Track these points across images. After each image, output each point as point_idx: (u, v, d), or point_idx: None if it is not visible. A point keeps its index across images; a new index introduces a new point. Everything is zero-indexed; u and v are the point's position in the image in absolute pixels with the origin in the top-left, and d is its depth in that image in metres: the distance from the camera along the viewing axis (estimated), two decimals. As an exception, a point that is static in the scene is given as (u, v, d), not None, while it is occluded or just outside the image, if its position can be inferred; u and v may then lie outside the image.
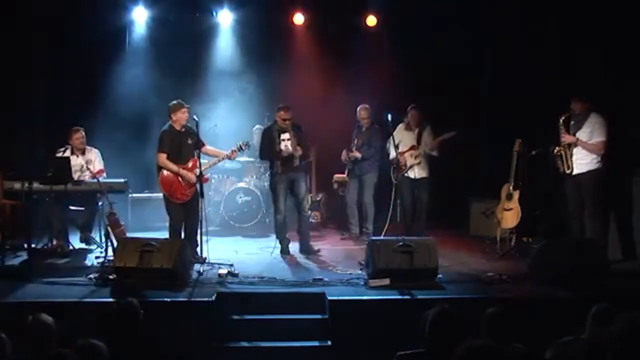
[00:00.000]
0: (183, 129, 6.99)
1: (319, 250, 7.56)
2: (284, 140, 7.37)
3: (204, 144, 7.13)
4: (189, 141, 6.99)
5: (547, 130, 7.45)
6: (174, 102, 6.99)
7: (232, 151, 7.22)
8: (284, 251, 7.47)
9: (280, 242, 7.54)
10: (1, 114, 8.53)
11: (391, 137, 7.96)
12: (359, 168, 8.17)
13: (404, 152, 8.01)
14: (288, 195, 7.50)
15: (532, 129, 7.90)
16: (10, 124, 8.59)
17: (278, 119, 7.42)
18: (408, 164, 7.98)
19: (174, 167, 6.93)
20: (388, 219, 7.46)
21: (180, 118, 6.92)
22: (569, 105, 6.97)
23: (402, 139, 8.07)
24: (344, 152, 8.17)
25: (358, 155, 8.06)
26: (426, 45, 9.14)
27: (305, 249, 7.50)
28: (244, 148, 7.32)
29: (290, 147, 7.32)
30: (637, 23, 7.21)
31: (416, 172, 8.05)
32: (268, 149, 7.45)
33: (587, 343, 3.20)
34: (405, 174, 8.01)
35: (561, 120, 6.99)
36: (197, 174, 6.83)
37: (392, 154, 7.98)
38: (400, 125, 8.15)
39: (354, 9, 9.78)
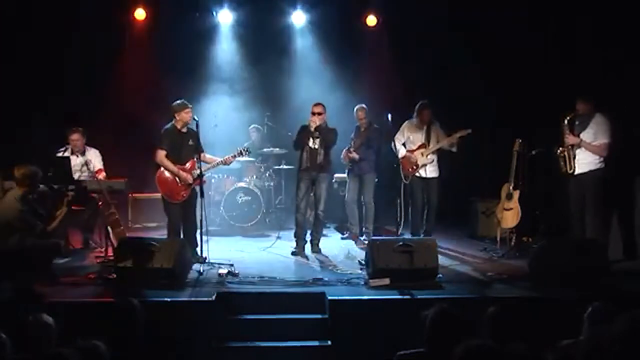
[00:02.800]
0: (185, 130, 6.99)
1: (320, 251, 7.57)
2: (312, 137, 7.43)
3: (202, 151, 7.11)
4: (190, 142, 6.99)
5: (548, 130, 7.44)
6: (178, 101, 6.99)
7: (230, 157, 7.22)
8: (299, 252, 7.44)
9: (296, 241, 7.55)
10: (1, 114, 8.54)
11: (397, 135, 7.90)
12: (359, 168, 8.15)
13: (414, 150, 7.89)
14: (309, 194, 7.55)
15: (532, 129, 7.90)
16: (10, 124, 8.60)
17: (310, 114, 7.47)
18: (419, 163, 7.84)
19: (172, 166, 6.92)
20: (402, 220, 7.39)
21: (184, 118, 6.91)
22: (574, 106, 6.95)
23: (410, 136, 7.96)
24: (344, 151, 8.17)
25: (356, 156, 8.03)
26: (426, 45, 9.14)
27: (313, 249, 7.54)
28: (244, 154, 7.37)
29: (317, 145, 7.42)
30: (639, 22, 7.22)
31: (427, 171, 7.89)
32: (299, 141, 7.53)
33: (586, 343, 3.20)
34: (417, 174, 7.87)
35: (565, 121, 6.97)
36: (197, 174, 6.83)
37: (402, 152, 7.88)
38: (406, 122, 8.01)
39: (354, 9, 9.79)
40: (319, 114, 7.44)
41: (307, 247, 7.61)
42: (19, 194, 5.82)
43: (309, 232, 7.72)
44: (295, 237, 7.58)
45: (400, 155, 7.84)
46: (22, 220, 5.74)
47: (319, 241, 7.65)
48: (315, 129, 7.40)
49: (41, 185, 6.34)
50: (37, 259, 5.79)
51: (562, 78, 8.10)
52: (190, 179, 6.89)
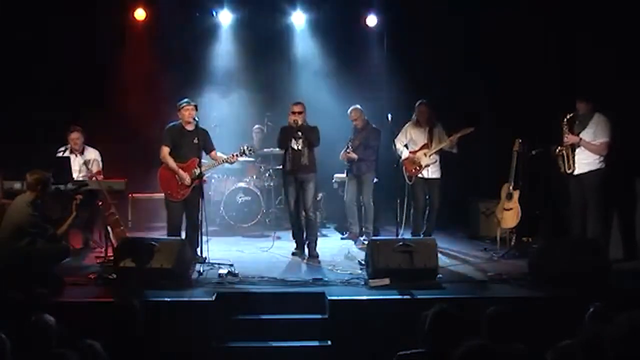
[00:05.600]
0: (191, 128, 6.99)
1: (318, 256, 7.30)
2: (294, 138, 7.30)
3: (213, 149, 7.18)
4: (195, 141, 6.96)
5: (548, 130, 7.44)
6: (182, 99, 7.05)
7: (233, 155, 7.24)
8: (299, 253, 7.38)
9: (296, 242, 7.51)
10: (1, 114, 8.54)
11: (399, 136, 7.85)
12: (357, 168, 8.13)
13: (417, 151, 7.84)
14: (298, 195, 7.46)
15: (532, 129, 7.89)
16: (10, 124, 8.60)
17: (289, 114, 7.34)
18: (423, 164, 7.78)
19: (172, 164, 6.93)
20: (403, 222, 7.38)
21: (183, 115, 6.94)
22: (573, 105, 6.94)
23: (413, 137, 7.89)
24: (342, 152, 8.16)
25: (354, 156, 8.01)
26: (426, 45, 9.14)
27: (310, 253, 7.32)
28: (247, 153, 7.36)
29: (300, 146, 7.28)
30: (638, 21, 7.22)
31: (430, 172, 7.82)
32: (282, 141, 7.41)
33: (586, 343, 3.20)
34: (420, 175, 7.81)
35: (565, 120, 6.97)
36: (197, 174, 6.84)
37: (405, 153, 7.84)
38: (408, 123, 7.95)
39: (354, 8, 9.78)
40: (300, 112, 7.26)
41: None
42: (30, 199, 5.83)
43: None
44: (294, 238, 7.56)
45: (403, 157, 7.80)
46: (33, 225, 5.75)
47: (315, 245, 7.38)
48: (298, 128, 7.25)
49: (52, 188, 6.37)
50: (46, 263, 5.80)
51: (562, 78, 8.10)
52: (187, 180, 6.89)
